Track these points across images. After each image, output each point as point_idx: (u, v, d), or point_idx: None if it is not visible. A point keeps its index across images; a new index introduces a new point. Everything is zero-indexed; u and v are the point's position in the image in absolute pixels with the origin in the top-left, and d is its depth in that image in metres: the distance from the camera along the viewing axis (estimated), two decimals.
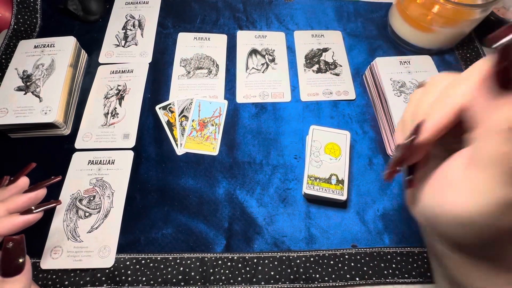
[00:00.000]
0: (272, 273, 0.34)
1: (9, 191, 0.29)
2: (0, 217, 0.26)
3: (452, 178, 0.16)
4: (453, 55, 0.50)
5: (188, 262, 0.34)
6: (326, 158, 0.37)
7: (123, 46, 0.48)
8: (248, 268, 0.34)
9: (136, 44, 0.48)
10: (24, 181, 0.30)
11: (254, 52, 0.49)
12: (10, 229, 0.26)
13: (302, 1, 0.54)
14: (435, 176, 0.17)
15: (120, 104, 0.43)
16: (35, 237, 0.34)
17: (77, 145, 0.40)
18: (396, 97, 0.41)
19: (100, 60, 0.47)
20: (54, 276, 0.33)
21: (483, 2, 0.42)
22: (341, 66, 0.48)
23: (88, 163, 0.39)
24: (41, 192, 0.29)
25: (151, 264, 0.34)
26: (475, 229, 0.15)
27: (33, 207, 0.27)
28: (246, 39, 0.50)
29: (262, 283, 0.33)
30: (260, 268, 0.34)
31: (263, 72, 0.47)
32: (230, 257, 0.35)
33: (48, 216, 0.35)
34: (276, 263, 0.35)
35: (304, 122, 0.43)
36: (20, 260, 0.24)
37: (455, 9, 0.41)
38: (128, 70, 0.46)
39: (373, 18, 0.53)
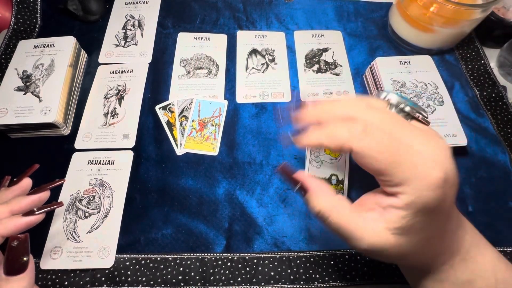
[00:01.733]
0: (272, 273, 0.34)
1: (12, 192, 0.29)
2: (4, 218, 0.26)
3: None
4: (453, 55, 0.50)
5: (188, 262, 0.34)
6: (326, 158, 0.37)
7: (123, 46, 0.48)
8: (248, 269, 0.34)
9: (136, 44, 0.48)
10: (27, 182, 0.30)
11: (254, 52, 0.49)
12: (13, 230, 0.26)
13: (302, 1, 0.54)
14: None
15: (120, 104, 0.43)
16: (35, 237, 0.33)
17: (77, 145, 0.40)
18: None
19: (100, 60, 0.47)
20: (54, 277, 0.33)
21: (483, 2, 0.42)
22: (341, 66, 0.48)
23: (88, 163, 0.39)
24: (44, 195, 0.29)
25: (151, 265, 0.34)
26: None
27: (35, 209, 0.27)
28: (246, 39, 0.50)
29: (262, 283, 0.33)
30: (260, 268, 0.34)
31: (263, 72, 0.47)
32: (230, 257, 0.35)
33: (48, 216, 0.35)
34: (276, 263, 0.35)
35: None
36: (25, 259, 0.25)
37: (455, 9, 0.41)
38: (128, 70, 0.46)
39: (373, 18, 0.53)
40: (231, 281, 0.33)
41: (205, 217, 0.37)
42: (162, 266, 0.34)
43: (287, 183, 0.24)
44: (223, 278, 0.34)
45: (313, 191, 0.24)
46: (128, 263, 0.34)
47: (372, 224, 0.22)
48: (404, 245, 0.21)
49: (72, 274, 0.33)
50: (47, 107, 0.39)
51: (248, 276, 0.34)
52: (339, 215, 0.23)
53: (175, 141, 0.41)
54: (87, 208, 0.36)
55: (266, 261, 0.35)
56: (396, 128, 0.21)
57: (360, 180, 0.39)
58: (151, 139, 0.41)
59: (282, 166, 0.25)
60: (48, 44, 0.43)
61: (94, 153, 0.40)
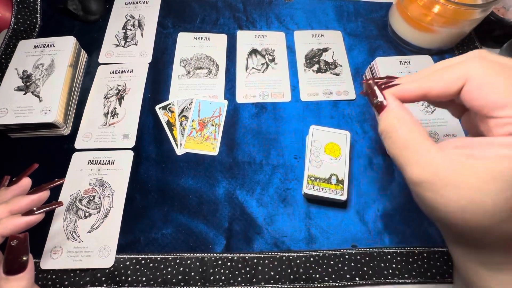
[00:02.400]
0: (272, 273, 0.34)
1: (12, 192, 0.29)
2: (3, 218, 0.26)
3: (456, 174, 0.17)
4: (453, 55, 0.50)
5: (188, 262, 0.34)
6: (326, 158, 0.37)
7: (123, 46, 0.48)
8: (248, 268, 0.34)
9: (136, 44, 0.48)
10: (26, 182, 0.30)
11: (254, 52, 0.49)
12: (13, 229, 0.26)
13: (302, 1, 0.54)
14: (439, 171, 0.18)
15: (120, 104, 0.43)
16: (35, 237, 0.33)
17: (77, 145, 0.40)
18: None
19: (100, 60, 0.47)
20: (54, 276, 0.33)
21: (483, 2, 0.42)
22: (341, 66, 0.48)
23: (88, 163, 0.39)
24: (44, 195, 0.29)
25: (151, 264, 0.34)
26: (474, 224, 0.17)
27: (35, 209, 0.27)
28: (246, 39, 0.50)
29: (262, 283, 0.33)
30: (260, 268, 0.34)
31: (263, 72, 0.47)
32: (230, 257, 0.35)
33: (48, 216, 0.35)
34: (276, 263, 0.35)
35: (304, 122, 0.43)
36: (24, 258, 0.25)
37: (455, 9, 0.41)
38: (128, 70, 0.46)
39: (373, 18, 0.53)
40: (231, 281, 0.34)
41: (205, 217, 0.37)
42: (162, 266, 0.34)
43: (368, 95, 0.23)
44: (223, 278, 0.34)
45: (387, 109, 0.21)
46: (128, 263, 0.34)
47: (459, 159, 0.16)
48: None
49: (72, 274, 0.33)
50: (47, 107, 0.39)
51: (248, 276, 0.34)
52: (401, 134, 0.19)
53: (175, 141, 0.41)
54: (87, 208, 0.36)
55: (266, 261, 0.35)
56: None
57: (361, 180, 0.39)
58: (151, 139, 0.41)
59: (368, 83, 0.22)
60: (48, 44, 0.43)
61: (94, 153, 0.40)
